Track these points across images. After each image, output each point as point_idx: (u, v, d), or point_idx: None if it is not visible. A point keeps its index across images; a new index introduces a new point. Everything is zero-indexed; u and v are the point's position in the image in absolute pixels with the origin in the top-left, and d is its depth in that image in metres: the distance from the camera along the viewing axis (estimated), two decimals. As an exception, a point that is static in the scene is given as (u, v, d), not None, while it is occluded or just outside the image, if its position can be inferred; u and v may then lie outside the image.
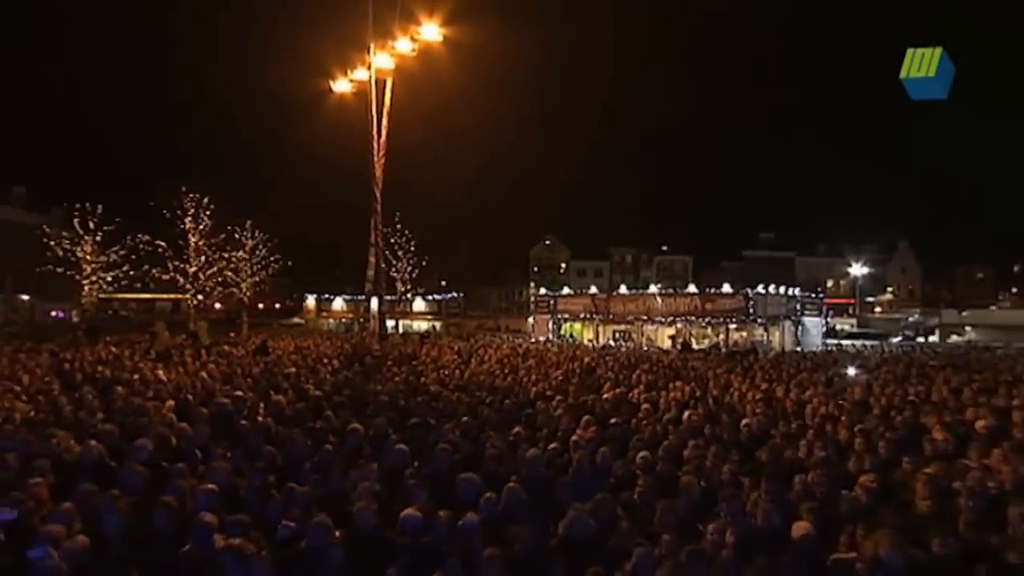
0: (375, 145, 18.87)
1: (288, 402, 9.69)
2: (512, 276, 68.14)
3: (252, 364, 15.58)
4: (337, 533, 4.21)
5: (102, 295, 42.49)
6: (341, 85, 20.45)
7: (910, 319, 51.53)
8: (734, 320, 31.40)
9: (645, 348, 28.10)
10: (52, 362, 15.76)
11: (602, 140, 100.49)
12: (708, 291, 33.36)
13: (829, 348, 28.04)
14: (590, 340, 33.72)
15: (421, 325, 43.93)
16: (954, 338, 42.97)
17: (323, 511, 4.96)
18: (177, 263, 36.46)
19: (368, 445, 7.18)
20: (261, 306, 65.56)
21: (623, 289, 38.46)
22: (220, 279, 38.64)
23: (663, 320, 33.31)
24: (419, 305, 47.61)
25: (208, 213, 36.56)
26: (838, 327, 45.77)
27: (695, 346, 28.58)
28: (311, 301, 54.38)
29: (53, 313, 52.23)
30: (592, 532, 4.63)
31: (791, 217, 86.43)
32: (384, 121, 19.37)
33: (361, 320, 25.59)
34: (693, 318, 32.44)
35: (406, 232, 41.60)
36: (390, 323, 30.44)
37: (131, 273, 39.59)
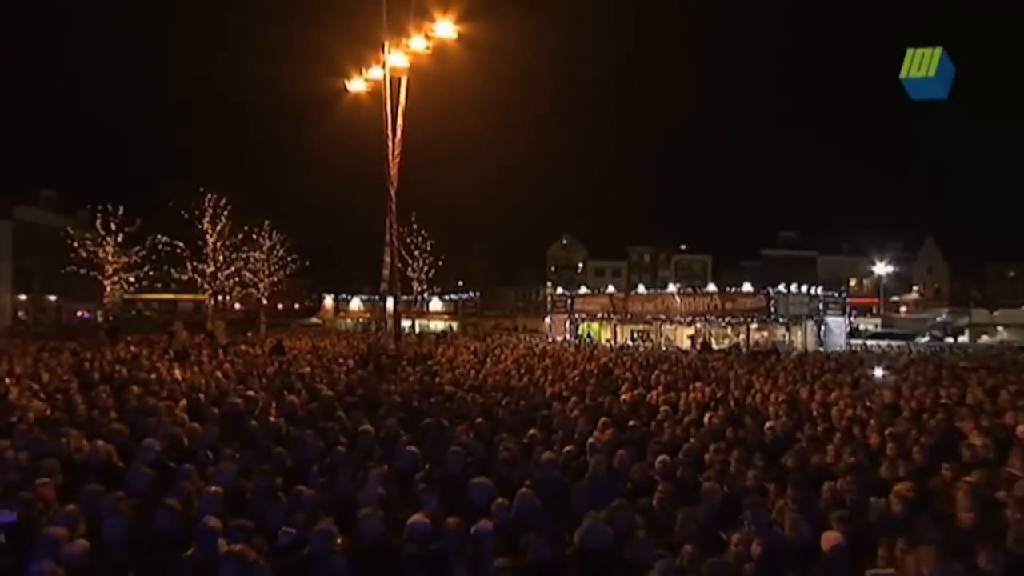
0: (390, 144, 18.77)
1: (301, 402, 9.60)
2: (529, 276, 67.91)
3: (267, 364, 15.58)
4: (339, 540, 4.03)
5: (126, 296, 43.22)
6: (356, 84, 20.43)
7: (938, 319, 50.18)
8: (755, 320, 30.85)
9: (664, 348, 27.70)
10: (73, 361, 15.95)
11: (619, 138, 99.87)
12: (728, 290, 32.82)
13: (853, 348, 27.38)
14: (608, 340, 33.37)
15: (438, 325, 43.87)
16: (985, 338, 41.76)
17: (329, 515, 4.83)
18: (195, 263, 36.89)
19: (379, 447, 7.03)
20: (280, 306, 66.27)
21: (641, 288, 38.02)
22: (238, 279, 39.02)
23: (682, 320, 32.84)
24: (436, 305, 47.57)
25: (225, 214, 36.93)
26: (862, 327, 44.80)
27: (715, 346, 28.12)
28: (329, 301, 54.66)
29: (79, 313, 53.26)
30: (609, 541, 4.40)
31: (812, 216, 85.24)
32: (399, 120, 19.28)
33: (376, 321, 25.55)
34: (713, 318, 31.94)
35: (422, 232, 41.61)
36: (406, 323, 30.44)
37: (151, 274, 40.21)
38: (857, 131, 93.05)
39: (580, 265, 69.96)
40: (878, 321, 51.37)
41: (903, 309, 60.44)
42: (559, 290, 44.90)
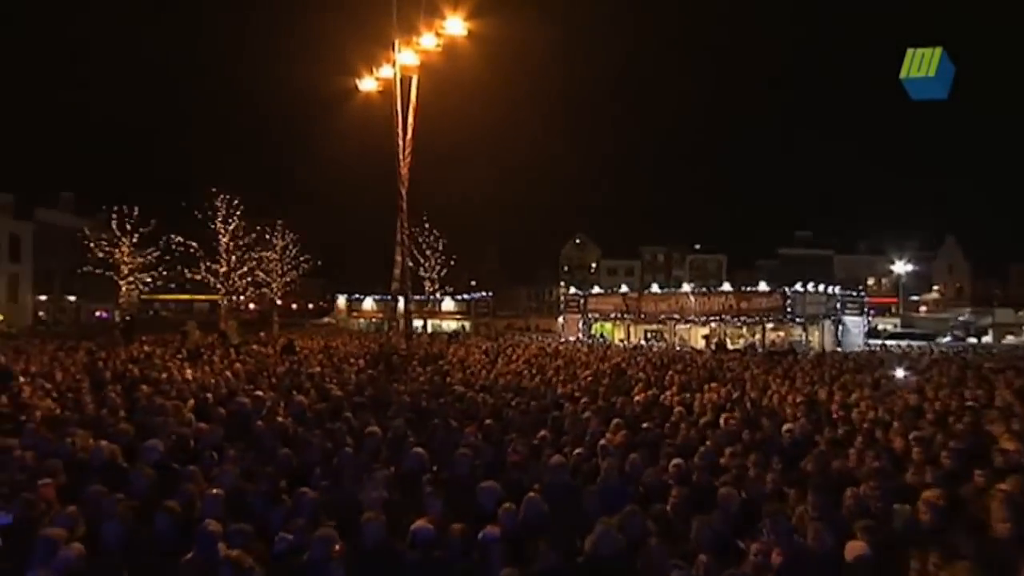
0: (400, 143, 18.68)
1: (310, 402, 9.50)
2: (542, 276, 67.70)
3: (278, 363, 15.54)
4: (337, 547, 3.88)
5: (143, 296, 43.66)
6: (367, 83, 20.36)
7: (960, 318, 49.08)
8: (771, 319, 30.37)
9: (678, 348, 27.36)
10: (87, 360, 16.04)
11: (633, 137, 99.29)
12: (744, 289, 32.35)
13: (872, 349, 26.83)
14: (621, 340, 33.07)
15: (450, 325, 43.81)
16: (1010, 338, 40.74)
17: (332, 519, 4.69)
18: (209, 264, 37.13)
19: (386, 448, 6.90)
20: (295, 306, 66.68)
21: (655, 288, 37.63)
22: (251, 279, 39.21)
23: (696, 319, 32.43)
24: (448, 305, 47.51)
25: (238, 214, 37.12)
26: (880, 327, 43.98)
27: (730, 346, 27.72)
28: (342, 301, 54.83)
29: (98, 313, 53.92)
30: (620, 550, 4.21)
31: (829, 215, 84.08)
32: (410, 119, 19.19)
33: (388, 321, 25.51)
34: (728, 317, 31.50)
35: (434, 231, 41.56)
36: (418, 323, 30.38)
37: (165, 274, 40.57)
38: (873, 130, 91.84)
39: (593, 265, 69.60)
40: (897, 321, 50.38)
41: (923, 309, 59.29)
42: (572, 290, 44.62)
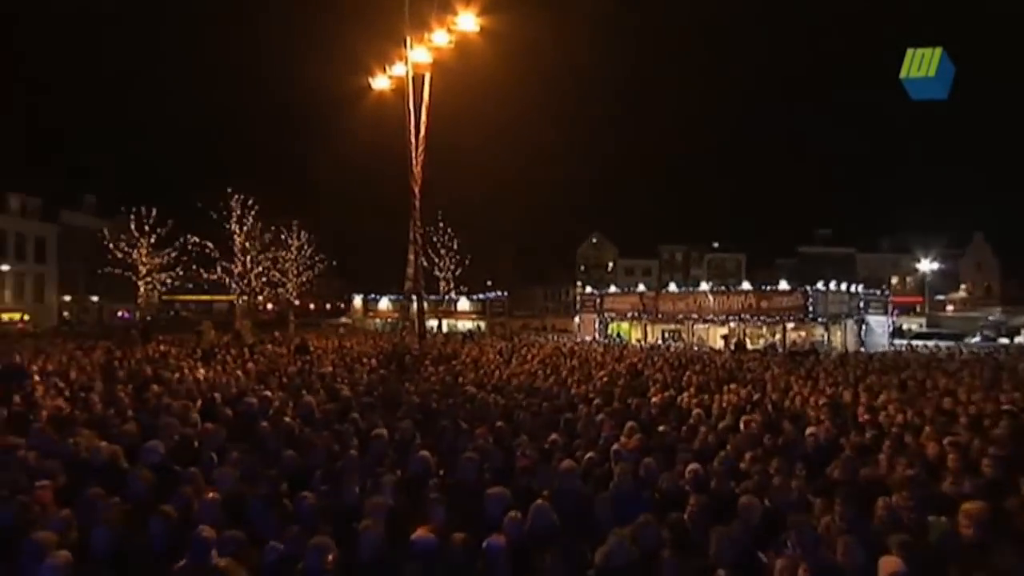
0: (413, 142, 18.53)
1: (319, 402, 9.35)
2: (559, 275, 67.31)
3: (290, 363, 15.47)
4: (331, 556, 3.67)
5: (164, 296, 44.17)
6: (380, 82, 20.25)
7: (990, 318, 47.67)
8: (792, 319, 29.71)
9: (696, 348, 26.88)
10: (104, 360, 16.13)
11: (650, 135, 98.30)
12: (764, 288, 31.72)
13: (898, 349, 26.10)
14: (638, 340, 32.64)
15: (465, 325, 43.68)
16: (1043, 339, 39.39)
17: (332, 525, 4.49)
18: (224, 264, 37.41)
19: (392, 451, 6.69)
20: (313, 307, 67.14)
21: (672, 287, 37.11)
22: (266, 279, 39.44)
23: (715, 319, 31.88)
24: (464, 305, 47.41)
25: (253, 214, 37.34)
26: (906, 327, 42.92)
27: (749, 346, 27.17)
28: (358, 301, 55.02)
29: (120, 313, 54.79)
30: (633, 562, 3.94)
31: (850, 212, 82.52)
32: (423, 117, 19.04)
33: (402, 321, 25.39)
34: (747, 316, 30.90)
35: (448, 231, 41.47)
36: (433, 323, 30.25)
37: (182, 274, 41.00)
38: (895, 123, 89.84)
39: (610, 264, 69.02)
40: (923, 320, 49.15)
41: (949, 308, 57.75)
42: (588, 289, 44.21)
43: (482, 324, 44.64)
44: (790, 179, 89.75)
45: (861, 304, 32.20)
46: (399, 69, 19.26)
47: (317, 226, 43.12)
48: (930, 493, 4.82)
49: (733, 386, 11.08)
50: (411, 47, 18.00)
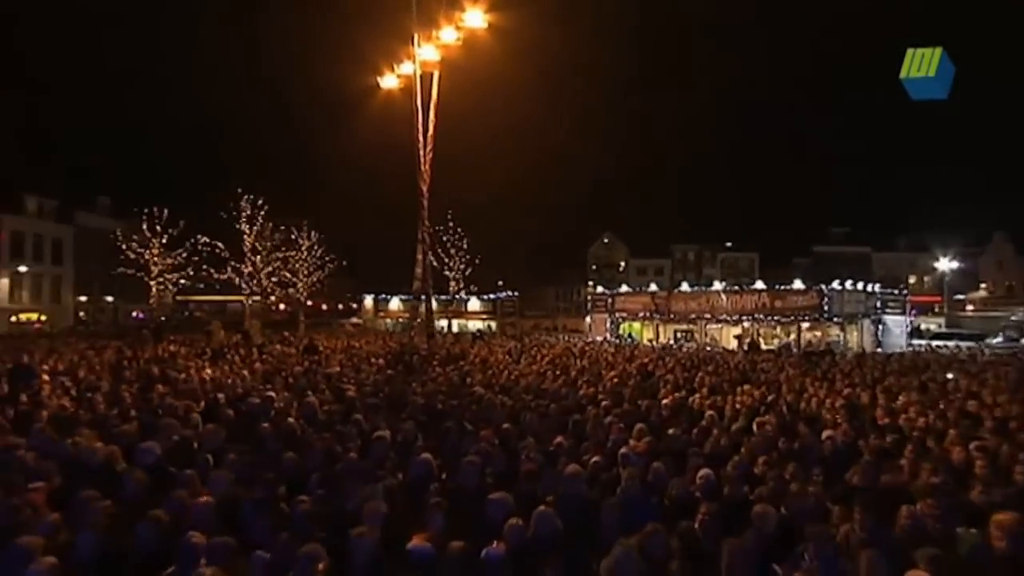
0: (421, 140, 18.39)
1: (324, 403, 9.21)
2: (570, 275, 67.00)
3: (297, 363, 15.39)
4: (322, 565, 3.49)
5: (177, 297, 44.47)
6: (388, 81, 20.14)
7: (1013, 318, 46.58)
8: (807, 318, 29.21)
9: (708, 349, 26.49)
10: (114, 359, 16.17)
11: (661, 134, 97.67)
12: (778, 287, 31.24)
13: (917, 349, 25.54)
14: (650, 340, 32.28)
15: (476, 325, 43.53)
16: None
17: (327, 531, 4.32)
18: (234, 264, 37.56)
19: (394, 453, 6.51)
20: (324, 307, 67.37)
21: (685, 286, 36.70)
22: (277, 279, 39.56)
23: (728, 319, 31.44)
24: (474, 304, 47.27)
25: (263, 214, 37.47)
26: (924, 327, 42.10)
27: (763, 346, 26.73)
28: (369, 301, 55.10)
29: (134, 314, 55.31)
30: (640, 574, 3.72)
31: (866, 210, 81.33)
32: (432, 116, 18.90)
33: (411, 320, 25.29)
34: (761, 316, 30.44)
35: (458, 230, 41.36)
36: (443, 323, 30.11)
37: (193, 275, 41.24)
38: (912, 119, 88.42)
39: (622, 264, 68.57)
40: (942, 320, 48.21)
41: (969, 308, 56.57)
42: (599, 289, 43.89)
43: (493, 324, 44.47)
44: (802, 178, 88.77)
45: (878, 304, 31.60)
46: (407, 68, 19.14)
47: (327, 226, 43.26)
48: (958, 502, 4.55)
49: (747, 387, 10.81)
50: (419, 45, 17.86)
